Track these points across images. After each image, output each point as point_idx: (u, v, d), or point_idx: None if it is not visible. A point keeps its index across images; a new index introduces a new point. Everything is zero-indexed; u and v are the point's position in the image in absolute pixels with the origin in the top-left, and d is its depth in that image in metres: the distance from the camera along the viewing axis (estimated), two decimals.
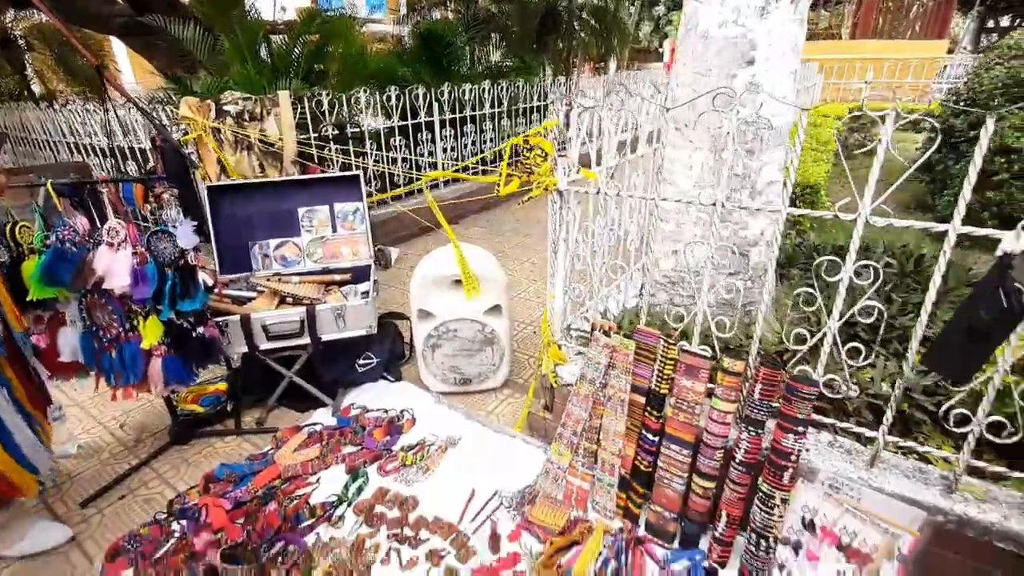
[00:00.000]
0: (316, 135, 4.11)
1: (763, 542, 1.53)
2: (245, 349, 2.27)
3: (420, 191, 4.68)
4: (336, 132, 4.38)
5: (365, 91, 4.53)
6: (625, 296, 2.63)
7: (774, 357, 1.73)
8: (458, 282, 2.44)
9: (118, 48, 11.99)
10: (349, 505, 1.93)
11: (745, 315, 2.36)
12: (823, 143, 4.71)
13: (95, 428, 2.43)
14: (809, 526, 1.55)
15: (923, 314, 1.33)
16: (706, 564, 1.63)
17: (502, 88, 5.93)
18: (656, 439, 1.74)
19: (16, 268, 1.83)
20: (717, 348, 1.72)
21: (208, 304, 2.10)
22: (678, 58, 2.29)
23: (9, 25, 9.35)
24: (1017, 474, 1.37)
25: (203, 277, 2.01)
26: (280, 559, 1.71)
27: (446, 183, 5.59)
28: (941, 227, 1.29)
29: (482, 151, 5.90)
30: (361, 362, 2.63)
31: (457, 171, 4.84)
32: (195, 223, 2.01)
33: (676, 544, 1.72)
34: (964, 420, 1.36)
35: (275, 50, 4.94)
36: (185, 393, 2.46)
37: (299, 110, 3.98)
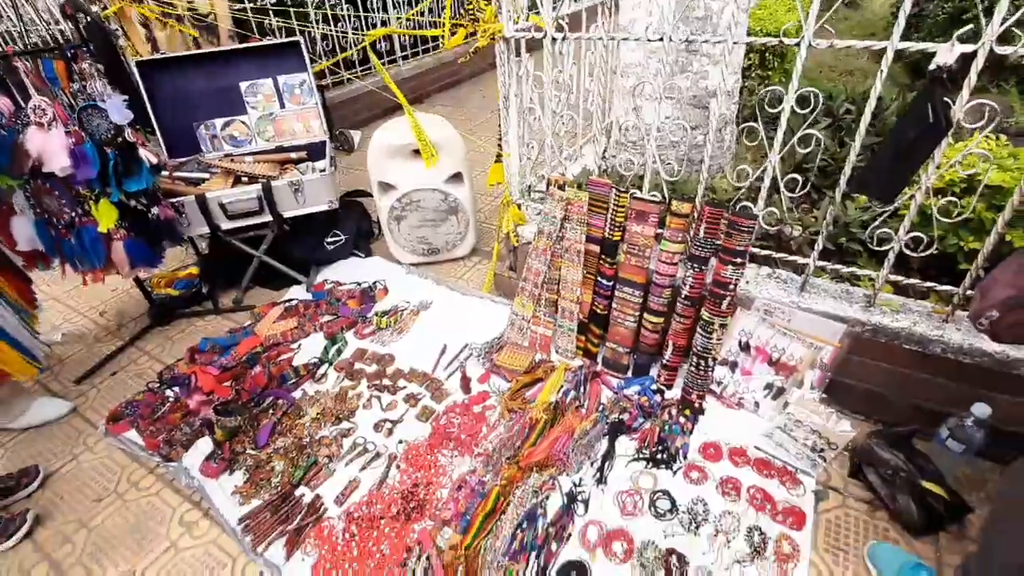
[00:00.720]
0: (252, 4, 3.72)
1: (703, 363, 1.71)
2: (206, 229, 2.26)
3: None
4: (275, 1, 3.96)
5: None
6: (589, 160, 2.62)
7: (720, 200, 1.79)
8: (417, 152, 2.39)
9: None
10: (330, 365, 2.07)
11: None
12: None
13: (75, 317, 2.48)
14: (745, 347, 1.73)
15: (856, 141, 1.37)
16: (655, 387, 1.82)
17: None
18: (610, 284, 1.85)
19: None
20: (666, 193, 1.77)
21: (157, 184, 2.05)
22: None
23: None
24: (929, 284, 1.50)
25: (145, 155, 1.94)
26: (271, 411, 1.87)
27: (404, 58, 5.21)
28: (881, 44, 1.28)
29: (441, 11, 5.42)
30: (330, 240, 2.65)
31: (400, 26, 4.50)
32: (125, 97, 1.90)
33: (629, 374, 1.91)
34: (887, 239, 1.46)
35: None
36: (157, 278, 2.49)
37: None
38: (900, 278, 1.54)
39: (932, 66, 1.21)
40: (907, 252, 1.45)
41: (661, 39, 1.54)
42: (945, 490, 1.33)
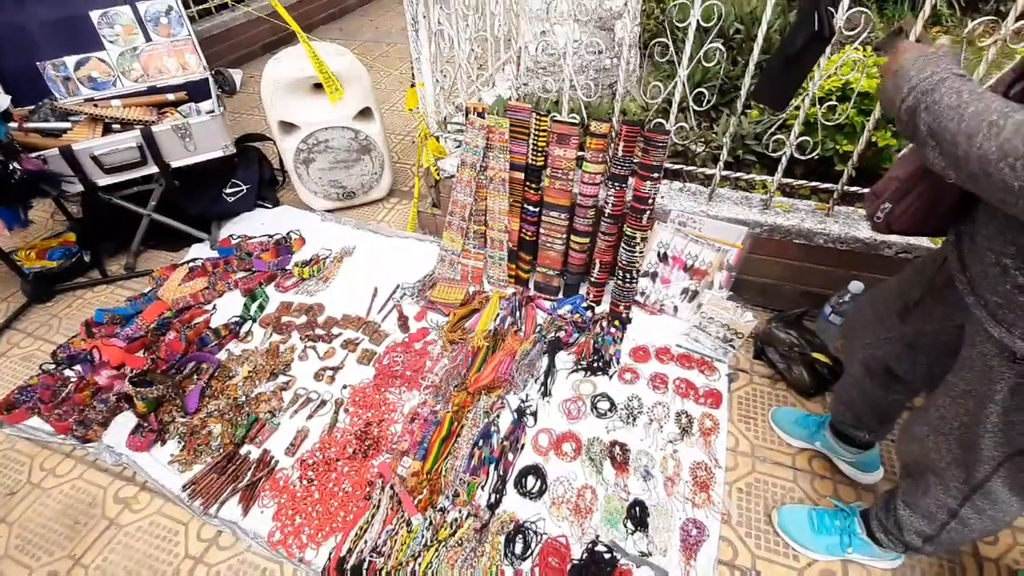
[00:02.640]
0: None
1: (628, 276, 1.84)
2: (79, 187, 1.98)
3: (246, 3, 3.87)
4: None
5: None
6: (501, 88, 2.58)
7: (635, 119, 1.86)
8: (318, 86, 2.21)
9: None
10: (254, 322, 1.96)
11: (612, 91, 2.45)
12: None
13: None
14: (663, 258, 1.87)
15: (751, 61, 1.47)
16: (585, 304, 1.94)
17: None
18: (537, 210, 1.90)
19: None
20: (585, 115, 1.80)
21: (8, 134, 1.74)
22: None
23: None
24: (813, 184, 1.71)
25: None
26: (195, 376, 1.75)
27: None
28: None
29: None
30: (229, 191, 2.43)
31: None
32: None
33: (561, 295, 2.01)
34: (780, 145, 1.62)
35: None
36: (25, 250, 2.17)
37: None
38: (790, 180, 1.73)
39: None
40: (797, 156, 1.62)
41: None
42: (829, 357, 1.59)
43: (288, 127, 2.26)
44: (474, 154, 1.88)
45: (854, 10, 1.33)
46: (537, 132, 1.77)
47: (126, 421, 1.61)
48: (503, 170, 1.87)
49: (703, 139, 2.12)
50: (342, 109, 2.24)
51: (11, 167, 1.69)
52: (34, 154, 1.84)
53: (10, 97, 2.05)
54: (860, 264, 1.66)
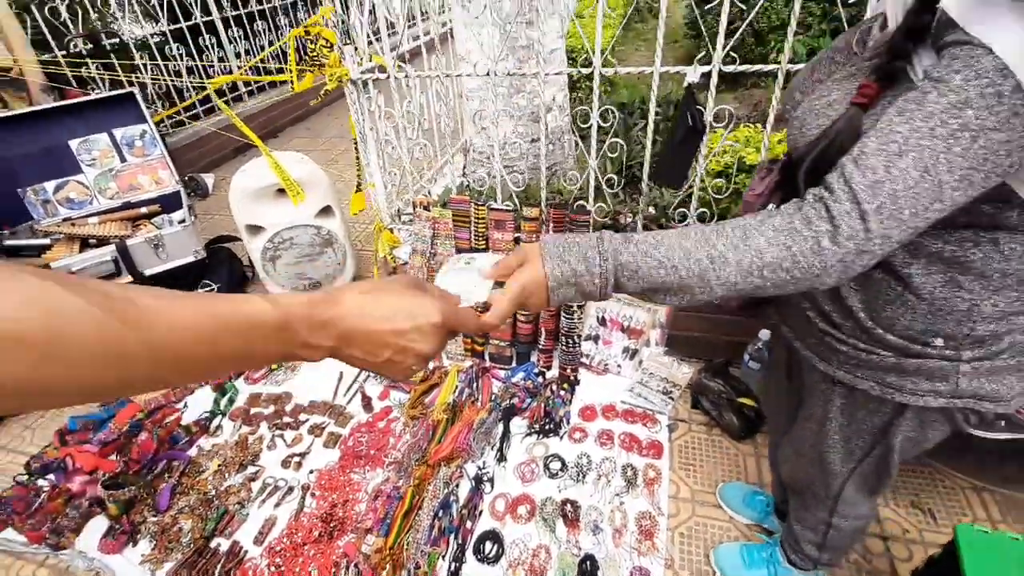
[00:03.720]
0: (64, 52, 3.43)
1: (571, 341, 2.01)
2: None
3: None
4: (91, 46, 3.67)
5: None
6: (450, 179, 2.85)
7: (561, 201, 2.10)
8: (281, 191, 2.44)
9: None
10: (224, 416, 2.05)
11: (552, 174, 2.73)
12: (612, 7, 5.07)
13: None
14: (602, 321, 2.05)
15: (647, 143, 1.74)
16: (536, 371, 2.09)
17: None
18: None
19: None
20: (517, 202, 2.04)
21: None
22: None
23: None
24: None
25: None
26: (166, 475, 1.82)
27: (250, 94, 5.06)
28: (648, 69, 1.65)
29: (283, 52, 5.34)
30: (201, 291, 2.58)
31: (245, 73, 4.42)
32: None
33: (513, 364, 2.15)
34: (684, 217, 1.86)
35: None
36: None
37: (29, 23, 3.24)
38: None
39: (684, 83, 1.60)
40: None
41: (488, 74, 1.80)
42: (754, 400, 1.74)
43: (255, 229, 2.46)
44: (423, 242, 2.09)
45: (719, 107, 1.61)
46: (477, 219, 1.99)
47: (99, 525, 1.66)
48: (450, 254, 2.07)
49: (631, 210, 2.38)
50: (304, 209, 2.45)
51: None
52: None
53: None
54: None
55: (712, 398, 1.79)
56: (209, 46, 4.49)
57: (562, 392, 1.97)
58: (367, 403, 2.03)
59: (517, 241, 2.00)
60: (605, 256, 0.64)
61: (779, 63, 1.53)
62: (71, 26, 3.51)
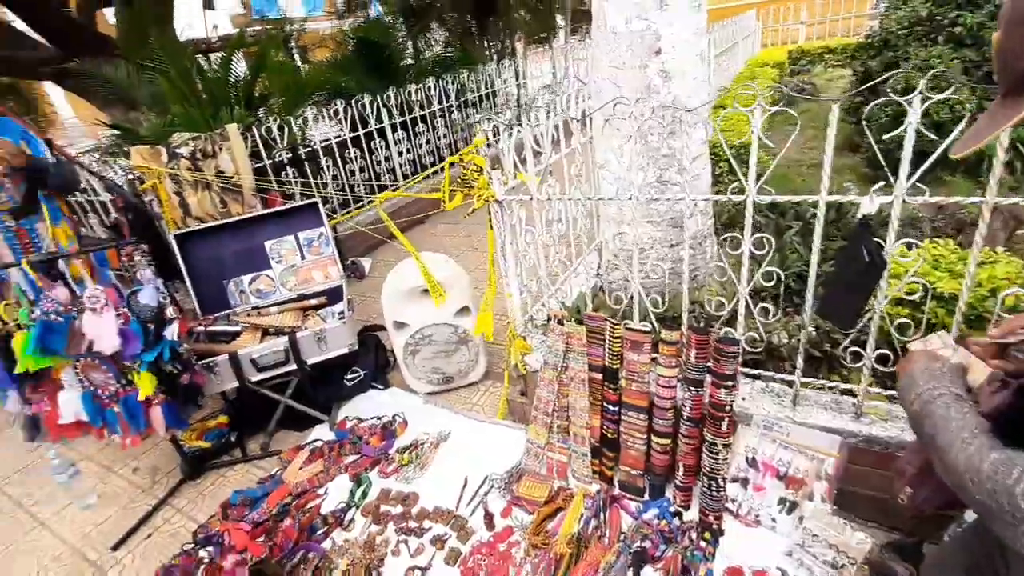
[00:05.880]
0: (271, 161, 4.19)
1: (714, 483, 1.78)
2: (236, 384, 2.44)
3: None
4: (290, 155, 4.45)
5: (312, 110, 4.59)
6: (585, 277, 2.85)
7: (702, 325, 1.95)
8: (426, 291, 2.62)
9: (52, 89, 11.58)
10: (357, 509, 2.14)
11: (692, 280, 2.59)
12: (752, 77, 4.92)
13: (109, 477, 2.59)
14: (752, 463, 1.81)
15: (811, 274, 1.56)
16: (672, 509, 1.88)
17: (447, 82, 6.00)
18: (616, 408, 1.97)
19: (6, 345, 1.99)
20: (654, 322, 1.94)
21: (180, 350, 2.24)
22: (594, 53, 2.46)
23: None
24: None
25: (171, 330, 2.16)
26: (302, 566, 1.92)
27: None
28: (813, 198, 1.50)
29: (438, 148, 5.99)
30: (349, 377, 2.82)
31: (406, 189, 4.97)
32: (159, 279, 2.16)
33: (646, 496, 1.97)
34: (857, 356, 1.60)
35: (210, 79, 4.91)
36: (189, 432, 2.63)
37: (249, 140, 4.05)
38: (880, 391, 1.67)
39: (858, 216, 1.42)
40: (878, 367, 1.59)
41: (631, 198, 1.79)
42: None
43: (400, 325, 2.66)
44: (555, 356, 2.06)
45: (904, 242, 1.40)
46: (612, 339, 1.92)
47: None
48: (582, 371, 2.01)
49: (785, 329, 2.13)
50: (445, 309, 2.60)
51: (183, 377, 2.17)
52: (207, 359, 2.34)
53: (199, 310, 2.68)
54: None
55: None
56: (378, 148, 5.20)
57: (702, 543, 1.74)
58: (489, 520, 1.97)
59: (655, 362, 1.89)
60: (935, 389, 0.82)
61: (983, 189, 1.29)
62: (278, 140, 4.32)
